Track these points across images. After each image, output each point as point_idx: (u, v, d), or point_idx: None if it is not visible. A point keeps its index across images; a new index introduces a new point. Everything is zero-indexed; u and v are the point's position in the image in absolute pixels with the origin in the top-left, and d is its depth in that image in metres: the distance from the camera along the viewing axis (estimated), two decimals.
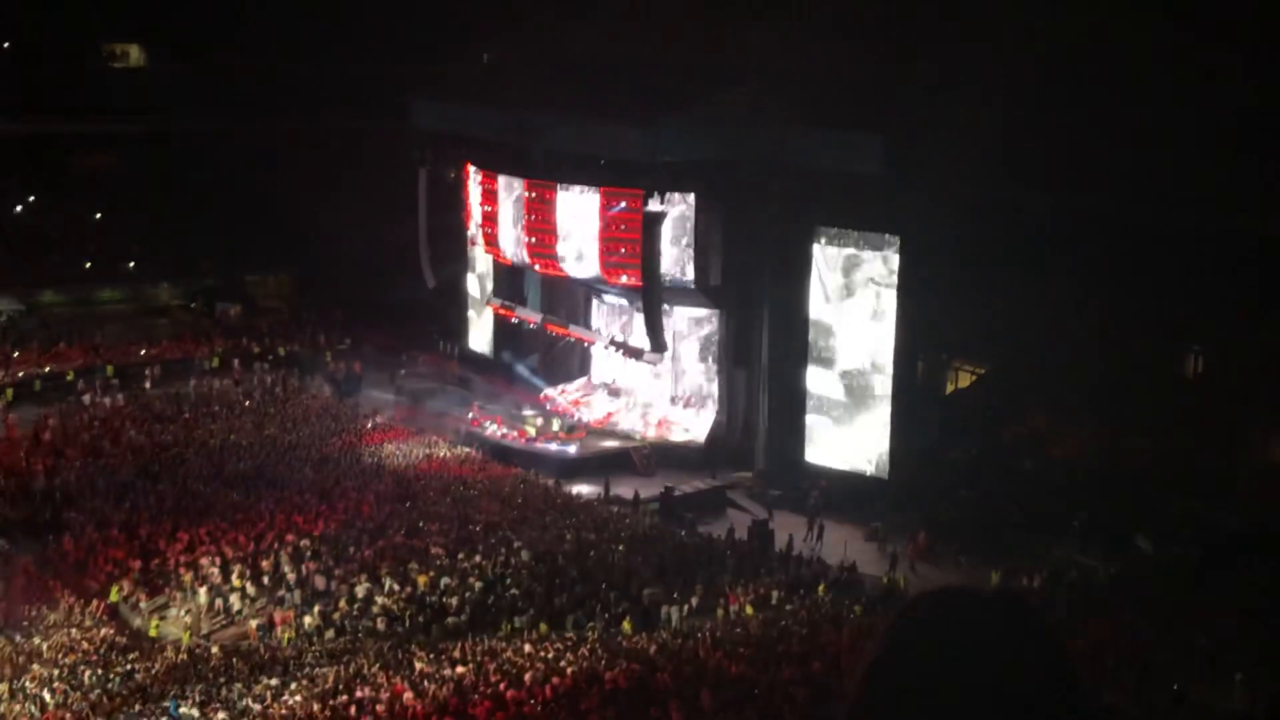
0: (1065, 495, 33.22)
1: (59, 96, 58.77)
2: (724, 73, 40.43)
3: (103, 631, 26.31)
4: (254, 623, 27.09)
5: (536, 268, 44.38)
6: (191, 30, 59.55)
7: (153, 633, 26.99)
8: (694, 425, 42.23)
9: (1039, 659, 1.88)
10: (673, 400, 43.61)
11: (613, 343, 43.65)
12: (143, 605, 28.32)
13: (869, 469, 37.03)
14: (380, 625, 26.52)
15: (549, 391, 46.22)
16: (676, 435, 42.03)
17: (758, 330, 39.59)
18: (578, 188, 40.85)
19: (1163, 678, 22.38)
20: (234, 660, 24.29)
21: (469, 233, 47.87)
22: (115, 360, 48.26)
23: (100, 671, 23.21)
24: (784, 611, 26.64)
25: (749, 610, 26.94)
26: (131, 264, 57.34)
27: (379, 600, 27.44)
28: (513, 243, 44.18)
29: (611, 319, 45.56)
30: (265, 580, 28.82)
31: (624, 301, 43.57)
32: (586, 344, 46.12)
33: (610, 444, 41.63)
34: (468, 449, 41.36)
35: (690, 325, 43.24)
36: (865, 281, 36.71)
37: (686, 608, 27.28)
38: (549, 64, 46.98)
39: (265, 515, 32.47)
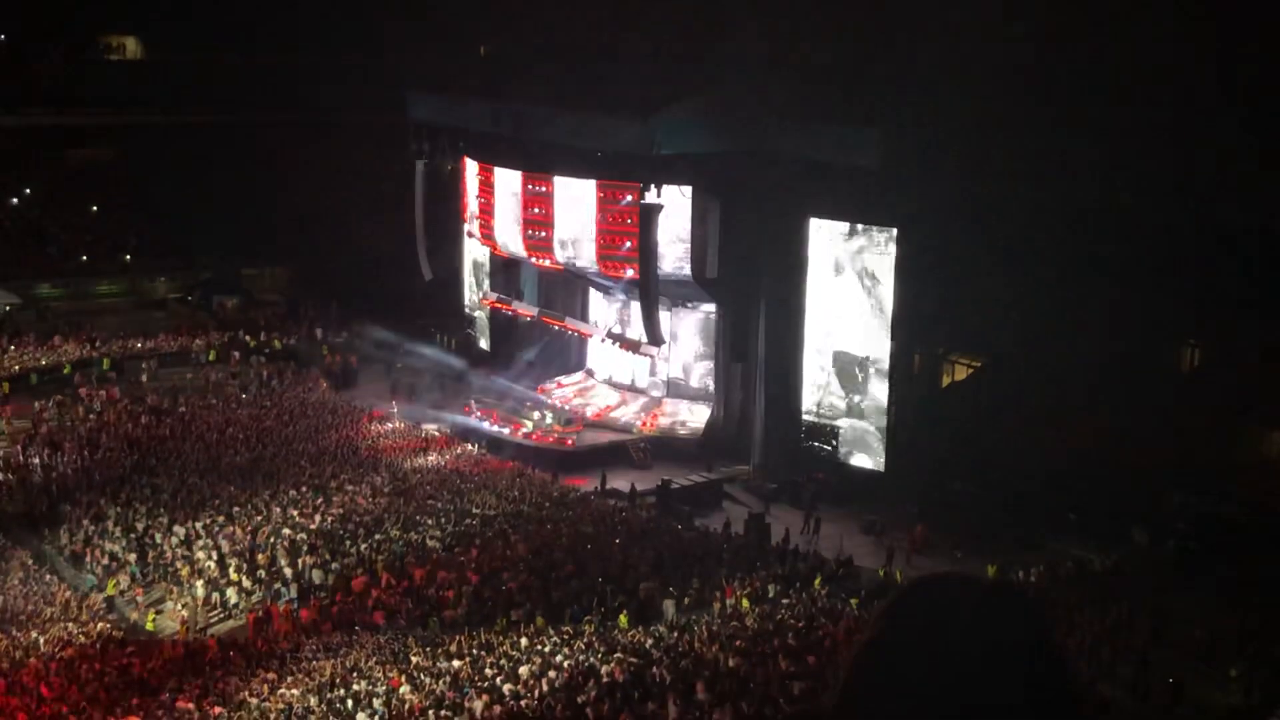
0: (1062, 488, 33.23)
1: (56, 89, 58.75)
2: (721, 66, 40.40)
3: (99, 625, 26.32)
4: (250, 616, 27.09)
5: (533, 260, 44.36)
6: (188, 23, 59.47)
7: (149, 626, 27.00)
8: (691, 418, 42.24)
9: (1029, 646, 1.87)
10: (669, 393, 43.60)
11: (610, 335, 43.63)
12: (139, 599, 28.35)
13: (866, 462, 37.06)
14: (376, 619, 26.52)
15: (546, 385, 46.22)
16: (673, 428, 42.03)
17: (754, 323, 39.57)
18: (575, 180, 40.81)
19: (1159, 670, 22.42)
20: (230, 654, 24.29)
21: (466, 225, 47.86)
22: (112, 353, 48.24)
23: (97, 666, 23.20)
24: (780, 605, 26.65)
25: (745, 604, 26.94)
26: (128, 257, 57.32)
27: (374, 594, 27.45)
28: (510, 235, 44.14)
29: (608, 312, 45.55)
30: (262, 574, 28.82)
31: (621, 294, 43.56)
32: (583, 337, 46.12)
33: (607, 437, 41.62)
34: (464, 442, 41.34)
35: (687, 318, 43.22)
36: (861, 275, 36.69)
37: (683, 601, 27.29)
38: (546, 56, 46.94)
39: (262, 508, 32.50)
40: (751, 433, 39.87)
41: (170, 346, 50.08)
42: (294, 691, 21.19)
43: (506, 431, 41.94)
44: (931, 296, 35.91)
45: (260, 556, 29.48)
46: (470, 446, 41.06)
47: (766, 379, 39.36)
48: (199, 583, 28.29)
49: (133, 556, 29.74)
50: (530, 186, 42.35)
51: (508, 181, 43.67)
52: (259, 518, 31.93)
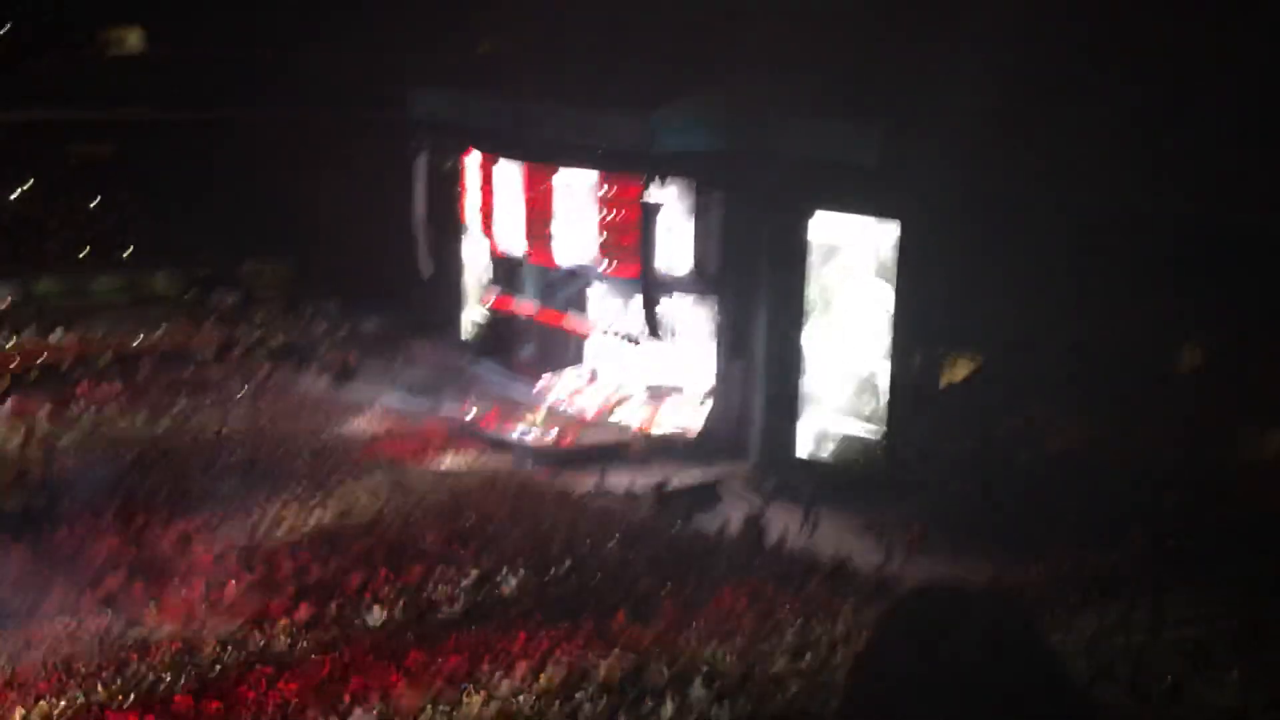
0: (1061, 488, 33.20)
1: (56, 83, 58.69)
2: (722, 61, 40.35)
3: (96, 622, 26.26)
4: (248, 613, 27.03)
5: (532, 257, 44.36)
6: (189, 18, 59.39)
7: (147, 623, 26.92)
8: (689, 416, 42.21)
9: (1021, 654, 1.88)
10: (668, 391, 43.57)
11: (609, 332, 43.62)
12: (137, 596, 28.27)
13: (865, 461, 37.03)
14: (374, 616, 26.49)
15: (544, 382, 46.19)
16: (671, 427, 42.00)
17: (754, 320, 39.56)
18: (575, 177, 40.80)
19: (1158, 672, 22.38)
20: (228, 650, 24.25)
21: (466, 222, 47.85)
22: (111, 349, 48.20)
23: (94, 663, 23.16)
24: (777, 604, 26.63)
25: (742, 603, 26.91)
26: (128, 252, 57.29)
27: (373, 591, 27.42)
28: (509, 232, 44.15)
29: (608, 308, 45.54)
30: (260, 571, 28.75)
31: (620, 291, 43.53)
32: (582, 334, 46.11)
33: (604, 435, 41.59)
34: (462, 440, 41.31)
35: (686, 315, 43.19)
36: (862, 272, 36.69)
37: (680, 600, 27.25)
38: (547, 53, 46.95)
39: (260, 506, 32.45)
40: (750, 432, 39.85)
41: (169, 343, 50.05)
42: (292, 687, 21.16)
43: (504, 429, 41.90)
44: (932, 294, 35.89)
45: (258, 553, 29.45)
46: (468, 444, 41.01)
47: (765, 377, 39.34)
48: (197, 580, 28.23)
49: (130, 553, 29.67)
50: (530, 183, 42.34)
51: (508, 178, 43.67)
52: (257, 514, 31.91)
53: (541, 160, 42.00)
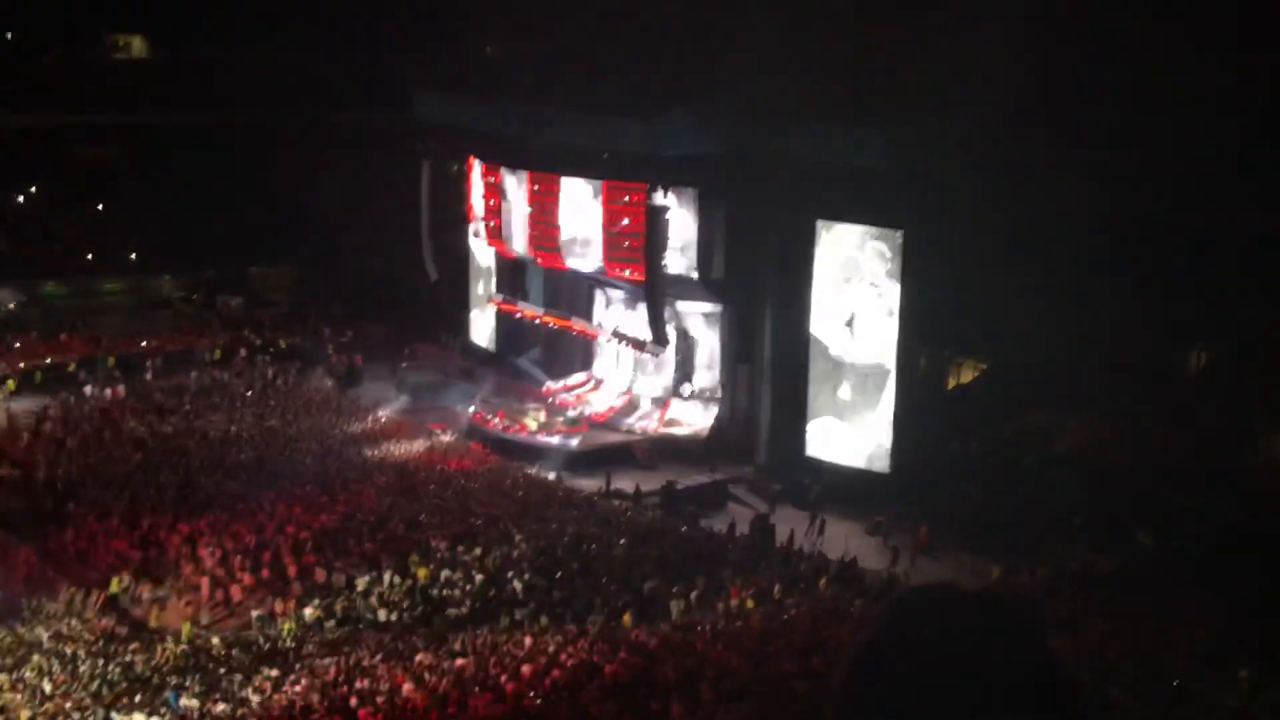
0: (1067, 490, 33.17)
1: (61, 87, 58.81)
2: (727, 66, 40.36)
3: (103, 622, 26.31)
4: (254, 614, 27.07)
5: (539, 261, 44.37)
6: (194, 22, 59.53)
7: (153, 623, 26.98)
8: (696, 419, 42.21)
9: (1020, 658, 1.90)
10: (675, 394, 43.56)
11: (615, 336, 43.62)
12: (143, 596, 28.32)
13: (871, 463, 37.00)
14: (381, 617, 26.51)
15: (551, 385, 46.20)
16: (678, 429, 42.00)
17: (761, 324, 39.56)
18: (581, 181, 40.84)
19: (1164, 674, 22.33)
20: (234, 651, 24.28)
21: (471, 226, 47.88)
22: (117, 351, 48.29)
23: (100, 662, 23.20)
24: (785, 606, 26.61)
25: (750, 604, 26.91)
26: (133, 256, 57.38)
27: (379, 592, 27.44)
28: (515, 236, 44.17)
29: (614, 312, 45.55)
30: (265, 572, 28.79)
31: (627, 295, 43.54)
32: (589, 338, 46.11)
33: (612, 438, 41.61)
34: (469, 442, 41.34)
35: (693, 319, 43.20)
36: (868, 276, 36.67)
37: (687, 601, 27.25)
38: (552, 57, 46.99)
39: (266, 507, 32.46)
40: (757, 434, 39.85)
41: (175, 345, 50.14)
42: (297, 689, 21.16)
43: (512, 431, 41.90)
44: (938, 298, 35.86)
45: (264, 554, 29.46)
46: (476, 446, 41.03)
47: (772, 380, 39.33)
48: (203, 580, 28.27)
49: (136, 554, 29.71)
50: (536, 187, 42.38)
51: (513, 182, 43.71)
52: (263, 516, 31.90)
53: (547, 164, 42.03)
